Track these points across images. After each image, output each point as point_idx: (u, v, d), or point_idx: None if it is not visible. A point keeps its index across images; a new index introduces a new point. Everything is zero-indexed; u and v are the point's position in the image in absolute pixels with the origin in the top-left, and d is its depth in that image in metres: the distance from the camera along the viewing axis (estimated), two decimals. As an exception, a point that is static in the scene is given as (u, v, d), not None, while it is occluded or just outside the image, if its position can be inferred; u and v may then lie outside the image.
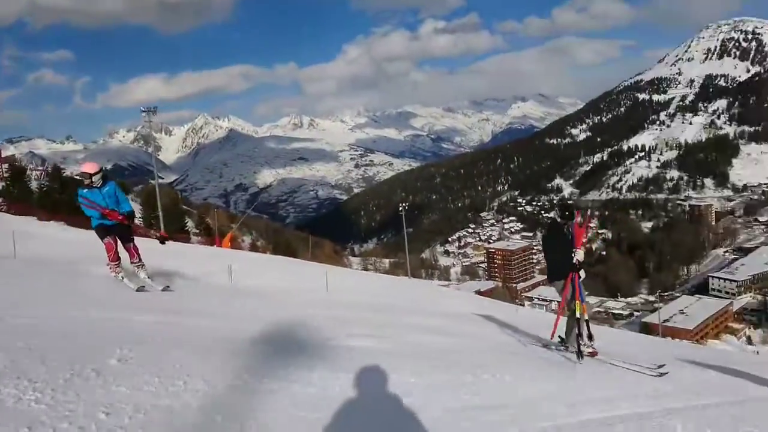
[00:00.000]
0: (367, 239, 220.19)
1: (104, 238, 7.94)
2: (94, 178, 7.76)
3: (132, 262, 8.37)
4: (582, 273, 6.34)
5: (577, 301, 6.26)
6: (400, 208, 54.47)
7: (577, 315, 6.22)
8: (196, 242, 38.04)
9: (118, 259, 8.12)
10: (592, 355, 6.32)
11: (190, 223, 57.86)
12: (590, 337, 6.41)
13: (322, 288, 12.71)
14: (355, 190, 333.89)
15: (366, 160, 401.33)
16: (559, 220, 6.57)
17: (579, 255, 6.29)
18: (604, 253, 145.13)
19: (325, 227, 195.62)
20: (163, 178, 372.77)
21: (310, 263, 25.41)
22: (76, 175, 8.65)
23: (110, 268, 8.14)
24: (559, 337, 6.78)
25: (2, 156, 41.42)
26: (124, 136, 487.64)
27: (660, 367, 5.96)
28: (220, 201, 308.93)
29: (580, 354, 6.09)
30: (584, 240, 6.56)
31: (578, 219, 6.54)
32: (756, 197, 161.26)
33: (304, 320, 6.68)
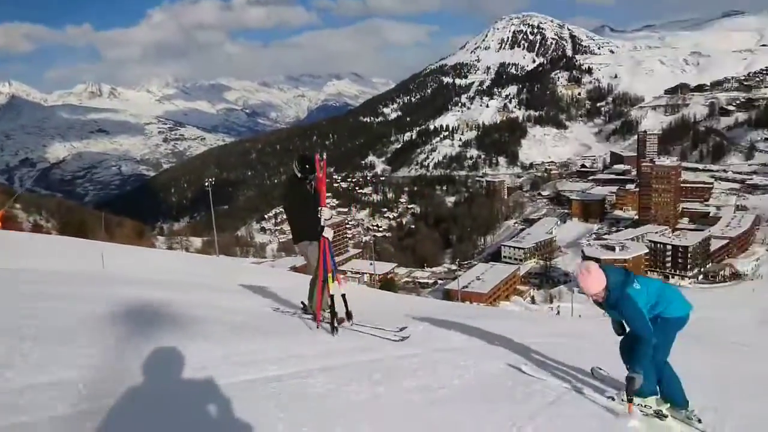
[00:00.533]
0: (178, 218, 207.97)
1: None
2: None
3: None
4: (329, 233, 5.84)
5: (329, 274, 5.76)
6: (206, 184, 53.19)
7: (331, 291, 5.73)
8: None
9: None
10: (340, 321, 5.88)
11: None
12: (349, 315, 5.99)
13: (98, 268, 11.69)
14: (164, 166, 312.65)
15: (176, 134, 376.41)
16: (299, 175, 5.97)
17: (325, 213, 5.84)
18: (413, 227, 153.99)
19: (130, 205, 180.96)
20: None
21: (93, 242, 22.75)
22: None
23: None
24: (302, 303, 6.45)
25: None
26: None
27: (402, 330, 5.87)
28: (1, 178, 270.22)
29: (335, 329, 5.66)
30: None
31: (319, 173, 5.96)
32: (539, 174, 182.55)
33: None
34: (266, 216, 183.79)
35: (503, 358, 5.30)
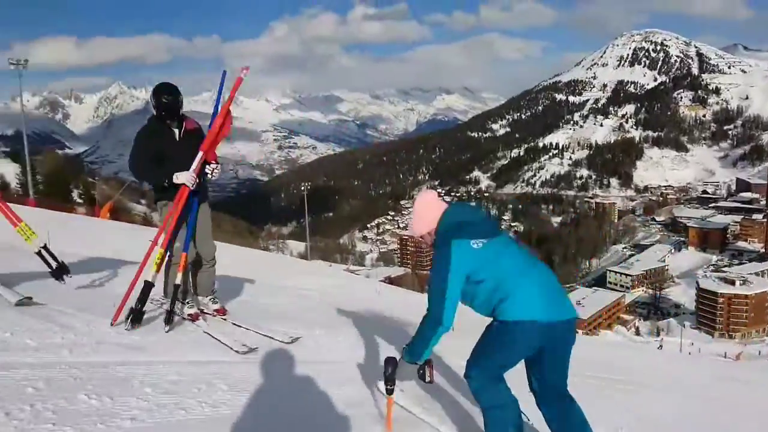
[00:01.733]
0: (286, 222, 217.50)
1: None
2: None
3: None
4: (184, 178, 4.29)
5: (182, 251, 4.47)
6: (303, 189, 54.30)
7: (177, 281, 4.43)
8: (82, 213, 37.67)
9: None
10: (194, 318, 4.67)
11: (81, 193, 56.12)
12: (186, 293, 4.71)
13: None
14: (277, 172, 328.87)
15: (289, 142, 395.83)
16: (163, 113, 4.32)
17: (181, 177, 4.28)
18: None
19: (243, 207, 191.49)
20: (71, 149, 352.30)
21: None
22: None
23: None
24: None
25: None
26: (28, 101, 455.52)
27: (297, 338, 4.64)
28: (131, 176, 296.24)
29: (170, 318, 4.32)
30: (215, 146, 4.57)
31: (194, 123, 4.56)
32: (654, 198, 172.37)
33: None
34: (369, 225, 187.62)
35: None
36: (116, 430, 2.66)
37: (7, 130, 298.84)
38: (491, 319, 2.76)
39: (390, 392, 3.01)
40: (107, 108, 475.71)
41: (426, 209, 2.90)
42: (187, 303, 4.76)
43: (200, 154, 4.40)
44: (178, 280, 4.45)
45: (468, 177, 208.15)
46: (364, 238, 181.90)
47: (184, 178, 4.27)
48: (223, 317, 4.87)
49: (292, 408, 3.27)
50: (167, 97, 4.33)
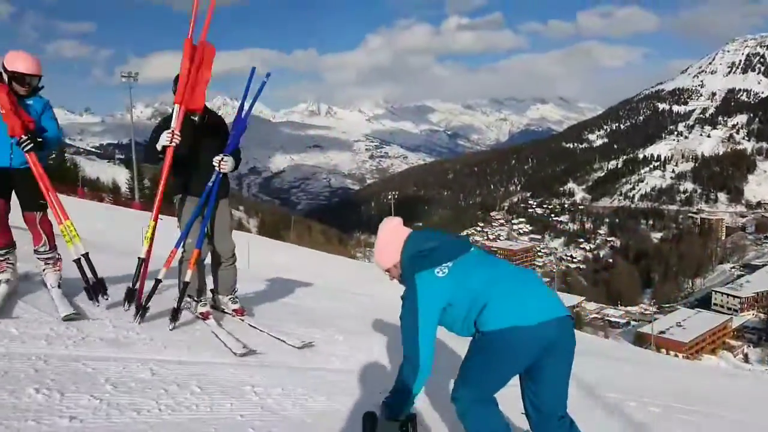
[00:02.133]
0: (375, 230, 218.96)
1: None
2: (28, 81, 4.04)
3: (43, 256, 4.34)
4: (227, 166, 4.31)
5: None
6: (390, 198, 56.02)
7: (187, 277, 4.28)
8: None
9: (9, 242, 4.25)
10: (205, 317, 4.51)
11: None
12: (201, 292, 4.58)
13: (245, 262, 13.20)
14: (368, 181, 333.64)
15: (381, 151, 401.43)
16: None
17: (162, 139, 4.17)
18: (611, 260, 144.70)
19: (334, 215, 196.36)
20: None
21: (272, 241, 26.89)
22: None
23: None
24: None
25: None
26: (141, 112, 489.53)
27: (309, 343, 4.44)
28: (233, 183, 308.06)
29: (175, 316, 4.20)
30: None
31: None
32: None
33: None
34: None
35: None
36: (48, 428, 2.42)
37: (123, 139, 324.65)
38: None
39: None
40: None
41: (387, 240, 2.65)
42: (200, 301, 4.56)
43: (176, 107, 4.20)
44: (188, 277, 4.28)
45: (562, 189, 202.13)
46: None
47: (163, 138, 4.13)
48: (241, 317, 4.70)
49: (257, 415, 2.98)
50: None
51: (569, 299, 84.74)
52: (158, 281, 4.26)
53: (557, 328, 2.33)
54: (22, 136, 3.87)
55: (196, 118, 4.38)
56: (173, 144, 4.16)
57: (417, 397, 2.49)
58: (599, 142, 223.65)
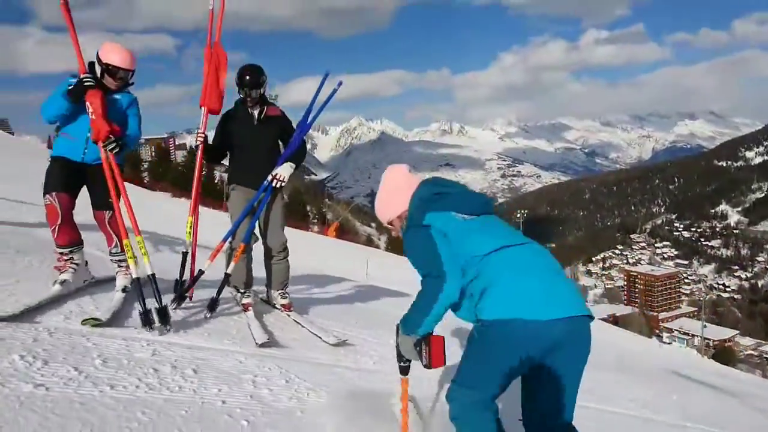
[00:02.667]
0: None
1: (52, 190, 3.85)
2: (121, 75, 3.94)
3: (116, 257, 4.19)
4: (283, 180, 4.39)
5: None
6: (518, 216, 55.04)
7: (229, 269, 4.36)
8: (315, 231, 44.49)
9: (74, 240, 3.99)
10: (245, 308, 4.46)
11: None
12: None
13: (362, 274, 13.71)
14: (500, 200, 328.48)
15: (513, 170, 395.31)
16: (242, 94, 4.45)
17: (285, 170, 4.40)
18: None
19: None
20: (316, 175, 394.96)
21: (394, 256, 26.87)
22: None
23: (58, 260, 4.01)
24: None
25: (176, 143, 53.87)
26: None
27: (343, 341, 4.27)
28: (366, 200, 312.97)
29: (213, 306, 4.24)
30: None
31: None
32: None
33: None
34: (594, 259, 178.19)
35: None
36: (10, 392, 2.39)
37: None
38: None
39: (404, 371, 2.45)
40: (347, 138, 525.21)
41: (396, 185, 2.38)
42: (244, 293, 4.52)
43: (203, 109, 4.42)
44: (230, 269, 4.35)
45: (713, 211, 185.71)
46: (588, 272, 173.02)
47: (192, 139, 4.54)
48: (288, 312, 4.64)
49: (242, 403, 2.85)
50: (249, 75, 4.33)
51: (721, 332, 77.80)
52: (201, 272, 4.34)
53: (566, 328, 1.99)
54: (109, 136, 3.72)
55: (255, 112, 4.43)
56: (199, 143, 4.43)
57: (441, 316, 2.12)
58: (758, 159, 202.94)
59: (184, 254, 4.42)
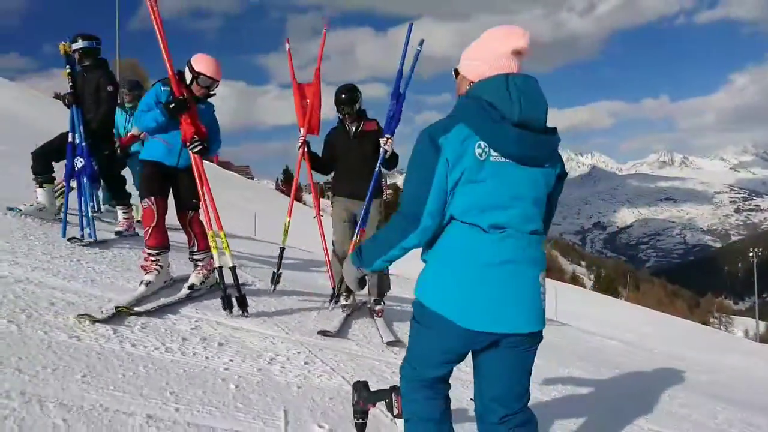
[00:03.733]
0: (742, 295, 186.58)
1: (150, 194, 4.07)
2: (208, 84, 4.12)
3: (193, 257, 4.33)
4: (392, 145, 4.55)
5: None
6: (752, 257, 51.08)
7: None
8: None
9: (163, 244, 4.12)
10: (344, 309, 4.69)
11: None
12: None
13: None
14: (733, 238, 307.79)
15: (750, 204, 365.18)
16: (338, 112, 4.81)
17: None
18: None
19: (689, 275, 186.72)
20: None
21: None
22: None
23: (146, 259, 4.10)
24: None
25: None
26: None
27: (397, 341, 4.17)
28: (575, 238, 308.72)
29: (335, 299, 4.76)
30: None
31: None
32: None
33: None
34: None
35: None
36: (48, 337, 2.82)
37: None
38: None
39: (360, 429, 2.38)
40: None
41: (490, 48, 1.86)
42: (342, 294, 4.77)
43: (301, 130, 4.97)
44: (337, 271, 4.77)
45: None
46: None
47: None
48: (378, 316, 4.69)
49: (244, 372, 3.00)
50: (344, 94, 4.66)
51: None
52: (282, 249, 5.05)
53: (493, 339, 1.85)
54: (194, 136, 3.92)
55: (353, 127, 4.74)
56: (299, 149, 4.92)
57: (396, 258, 1.92)
58: None
59: (282, 250, 5.00)
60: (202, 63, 4.09)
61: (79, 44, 5.39)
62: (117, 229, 5.89)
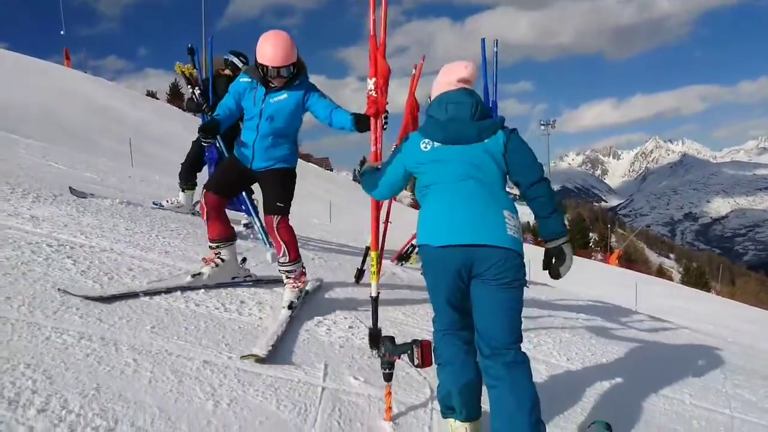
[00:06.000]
0: None
1: (205, 188, 3.81)
2: (282, 72, 3.50)
3: (282, 268, 3.78)
4: None
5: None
6: None
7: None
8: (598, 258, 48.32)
9: (223, 235, 3.85)
10: None
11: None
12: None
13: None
14: None
15: None
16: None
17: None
18: None
19: None
20: (606, 202, 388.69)
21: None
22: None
23: (206, 261, 3.85)
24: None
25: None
26: (573, 159, 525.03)
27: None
28: (664, 229, 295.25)
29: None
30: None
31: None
32: None
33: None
34: None
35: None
36: (124, 301, 3.15)
37: (555, 185, 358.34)
38: None
39: (387, 378, 2.54)
40: (642, 162, 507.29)
41: (435, 84, 2.70)
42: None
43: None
44: None
45: None
46: None
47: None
48: None
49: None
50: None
51: None
52: (367, 248, 4.93)
53: (465, 255, 2.26)
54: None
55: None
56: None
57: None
58: None
59: (367, 248, 5.13)
60: (259, 50, 3.47)
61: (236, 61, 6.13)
62: (244, 221, 6.24)
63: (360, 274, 5.11)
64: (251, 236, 5.97)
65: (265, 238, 5.40)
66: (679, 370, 4.65)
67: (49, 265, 3.48)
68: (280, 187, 3.70)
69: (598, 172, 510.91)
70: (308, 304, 3.98)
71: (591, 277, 19.43)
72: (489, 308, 2.32)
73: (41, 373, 2.25)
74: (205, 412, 2.31)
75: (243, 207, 5.83)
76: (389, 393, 2.58)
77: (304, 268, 3.84)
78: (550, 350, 4.36)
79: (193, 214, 6.39)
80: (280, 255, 3.72)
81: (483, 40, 4.81)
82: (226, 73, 6.23)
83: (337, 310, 4.00)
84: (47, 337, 2.55)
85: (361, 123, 3.43)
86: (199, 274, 3.72)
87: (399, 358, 2.54)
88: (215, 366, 2.70)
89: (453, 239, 2.30)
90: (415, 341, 2.47)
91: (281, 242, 3.69)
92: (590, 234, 78.51)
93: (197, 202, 5.27)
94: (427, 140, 2.53)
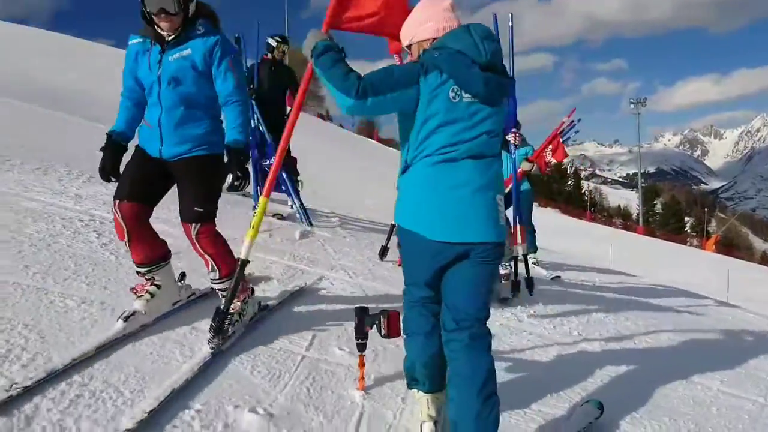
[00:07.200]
0: None
1: (114, 198, 2.81)
2: (167, 7, 2.59)
3: (214, 287, 2.98)
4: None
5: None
6: None
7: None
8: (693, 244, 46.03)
9: (162, 256, 2.97)
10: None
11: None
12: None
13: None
14: None
15: None
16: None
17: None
18: None
19: None
20: (707, 184, 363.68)
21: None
22: None
23: (137, 291, 2.91)
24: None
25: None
26: (669, 140, 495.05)
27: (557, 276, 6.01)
28: (753, 203, 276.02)
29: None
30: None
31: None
32: None
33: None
34: None
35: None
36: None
37: (649, 168, 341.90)
38: None
39: (361, 348, 2.53)
40: (748, 142, 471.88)
41: (430, 11, 2.18)
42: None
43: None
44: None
45: None
46: None
47: None
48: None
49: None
50: None
51: None
52: (392, 226, 4.88)
53: (458, 250, 2.14)
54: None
55: None
56: None
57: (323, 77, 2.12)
58: None
59: (392, 226, 5.01)
60: None
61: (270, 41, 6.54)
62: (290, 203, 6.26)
63: (384, 251, 5.12)
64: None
65: (303, 217, 5.53)
66: (720, 358, 4.42)
67: (75, 237, 3.77)
68: (197, 185, 2.78)
69: (698, 152, 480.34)
70: (316, 274, 4.15)
71: (683, 263, 18.81)
72: (463, 283, 2.20)
73: (36, 333, 2.45)
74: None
75: (283, 187, 5.96)
76: (362, 363, 2.59)
77: (248, 285, 3.07)
78: (572, 329, 4.30)
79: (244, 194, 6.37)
80: (209, 270, 2.87)
81: (495, 15, 4.58)
82: (267, 58, 6.39)
83: (341, 282, 4.15)
84: (51, 302, 2.77)
85: (232, 155, 2.77)
86: (133, 313, 2.73)
87: (371, 328, 2.54)
88: (202, 331, 2.83)
89: (453, 237, 2.12)
90: (383, 311, 2.47)
91: (205, 256, 2.83)
92: (686, 219, 75.14)
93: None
94: (456, 88, 2.05)
